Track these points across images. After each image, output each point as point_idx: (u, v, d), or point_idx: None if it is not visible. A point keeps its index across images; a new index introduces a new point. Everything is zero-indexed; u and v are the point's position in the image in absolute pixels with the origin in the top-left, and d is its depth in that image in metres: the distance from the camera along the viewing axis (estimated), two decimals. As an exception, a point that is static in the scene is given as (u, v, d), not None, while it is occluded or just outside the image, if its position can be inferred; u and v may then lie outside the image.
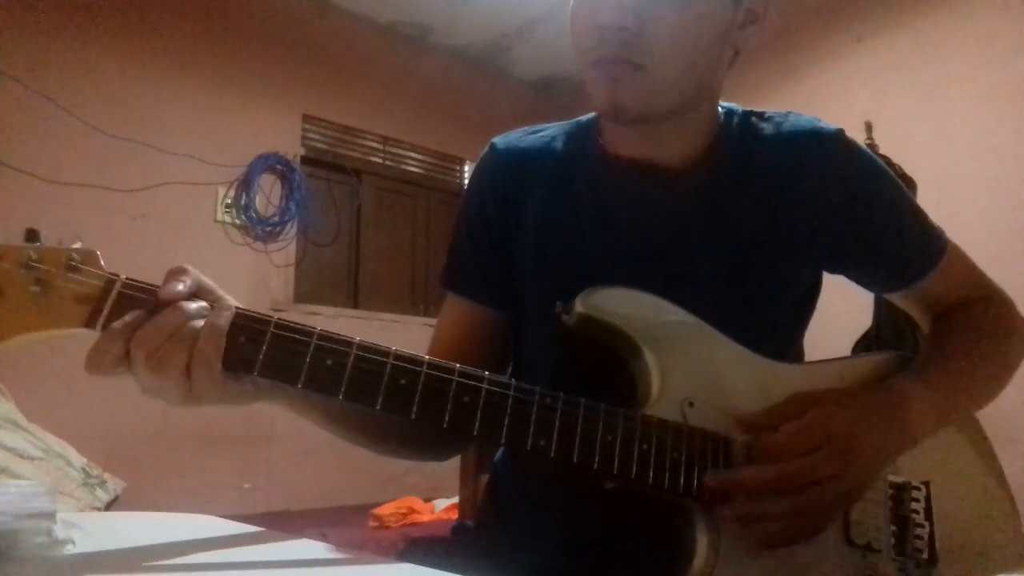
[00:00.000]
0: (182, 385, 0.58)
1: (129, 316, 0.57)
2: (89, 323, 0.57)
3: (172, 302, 0.58)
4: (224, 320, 0.58)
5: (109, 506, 2.35)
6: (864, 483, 0.69)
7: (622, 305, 0.70)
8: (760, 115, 0.85)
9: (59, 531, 0.60)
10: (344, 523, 2.73)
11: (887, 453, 0.71)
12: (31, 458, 2.13)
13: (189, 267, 0.60)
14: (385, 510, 2.73)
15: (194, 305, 0.59)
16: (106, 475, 2.43)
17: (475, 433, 0.61)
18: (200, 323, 0.58)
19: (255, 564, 0.66)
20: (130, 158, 2.95)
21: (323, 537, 1.65)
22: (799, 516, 0.65)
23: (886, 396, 0.72)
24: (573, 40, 0.77)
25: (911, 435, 0.72)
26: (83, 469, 2.34)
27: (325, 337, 0.60)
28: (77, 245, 0.59)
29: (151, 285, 0.59)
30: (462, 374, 0.62)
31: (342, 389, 0.59)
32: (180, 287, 0.59)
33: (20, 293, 0.56)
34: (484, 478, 1.03)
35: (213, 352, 0.58)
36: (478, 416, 0.61)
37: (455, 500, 2.70)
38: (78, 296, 0.57)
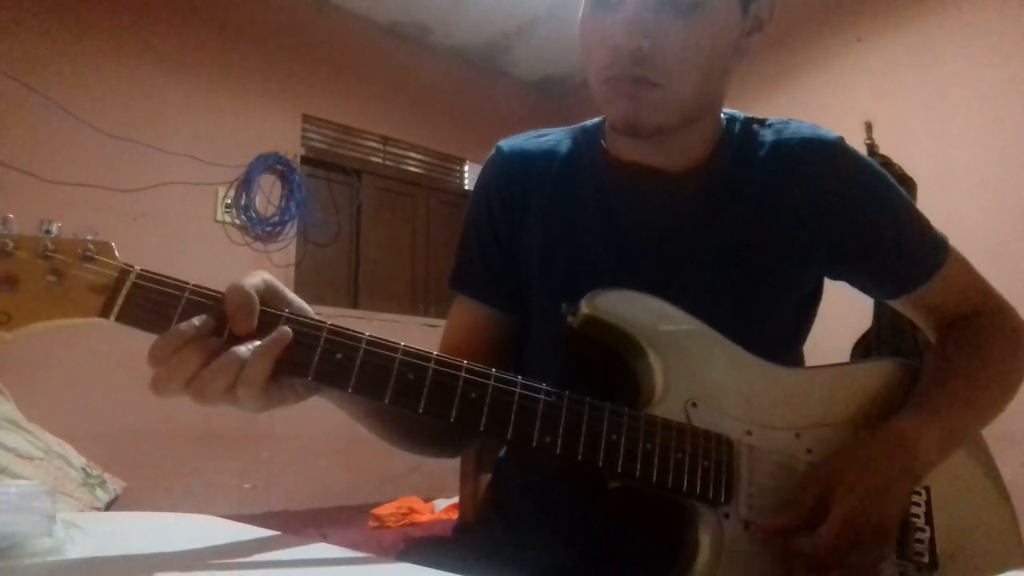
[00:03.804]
0: (224, 401, 0.57)
1: (197, 321, 0.56)
2: (103, 312, 0.57)
3: (246, 338, 0.57)
4: (262, 375, 0.57)
5: (109, 506, 2.35)
6: (886, 538, 0.69)
7: (626, 307, 0.71)
8: (761, 122, 0.86)
9: (59, 531, 0.60)
10: (344, 523, 2.72)
11: (901, 498, 0.71)
12: (31, 458, 2.12)
13: (252, 291, 0.59)
14: (385, 510, 2.73)
15: (243, 348, 0.57)
16: (106, 475, 2.42)
17: (481, 429, 0.61)
18: (243, 353, 0.56)
19: (255, 564, 0.66)
20: (130, 158, 2.95)
21: (323, 537, 1.65)
22: None
23: (892, 446, 0.71)
24: (584, 54, 0.76)
25: (919, 474, 0.72)
26: (83, 469, 2.34)
27: (335, 332, 0.60)
28: (91, 236, 0.59)
29: (169, 278, 0.59)
30: (469, 371, 0.63)
31: (351, 383, 0.60)
32: (253, 323, 0.58)
33: (37, 282, 0.57)
34: (485, 478, 1.03)
35: (255, 393, 0.57)
36: (484, 412, 0.62)
37: (455, 500, 2.69)
38: (93, 286, 0.58)
